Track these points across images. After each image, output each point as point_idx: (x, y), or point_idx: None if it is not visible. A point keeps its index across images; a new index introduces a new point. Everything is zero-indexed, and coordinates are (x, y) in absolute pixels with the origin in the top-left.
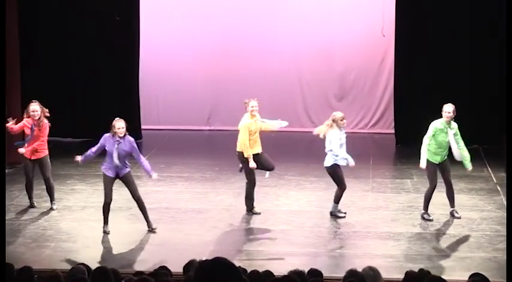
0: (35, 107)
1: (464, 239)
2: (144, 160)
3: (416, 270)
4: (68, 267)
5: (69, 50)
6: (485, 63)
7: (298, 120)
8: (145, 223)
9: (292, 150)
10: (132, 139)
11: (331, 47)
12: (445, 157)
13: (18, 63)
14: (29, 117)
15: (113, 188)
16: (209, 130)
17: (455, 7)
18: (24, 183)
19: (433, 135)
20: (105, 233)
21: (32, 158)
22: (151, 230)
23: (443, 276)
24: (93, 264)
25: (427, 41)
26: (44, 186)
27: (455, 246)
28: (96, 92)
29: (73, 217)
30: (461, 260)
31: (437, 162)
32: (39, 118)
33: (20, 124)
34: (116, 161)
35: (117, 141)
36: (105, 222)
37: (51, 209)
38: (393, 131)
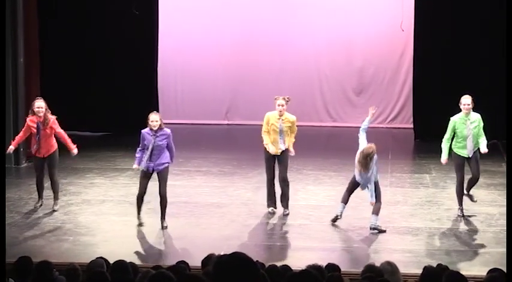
0: (40, 103)
1: (483, 234)
2: (171, 152)
3: (434, 265)
4: (87, 260)
5: (88, 45)
6: (505, 57)
7: (317, 114)
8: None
9: (310, 144)
10: (168, 132)
11: (350, 41)
12: (475, 149)
13: (38, 58)
14: (33, 115)
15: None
16: (227, 124)
17: (474, 1)
18: (35, 182)
19: (454, 131)
20: (139, 225)
21: (43, 155)
22: (162, 226)
23: (462, 272)
24: (112, 258)
25: (446, 36)
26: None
27: (474, 241)
28: (115, 86)
29: (92, 211)
30: (480, 255)
31: (466, 156)
32: (44, 115)
33: (24, 128)
34: (148, 155)
35: (154, 135)
36: (138, 212)
37: (54, 210)
38: (412, 126)
